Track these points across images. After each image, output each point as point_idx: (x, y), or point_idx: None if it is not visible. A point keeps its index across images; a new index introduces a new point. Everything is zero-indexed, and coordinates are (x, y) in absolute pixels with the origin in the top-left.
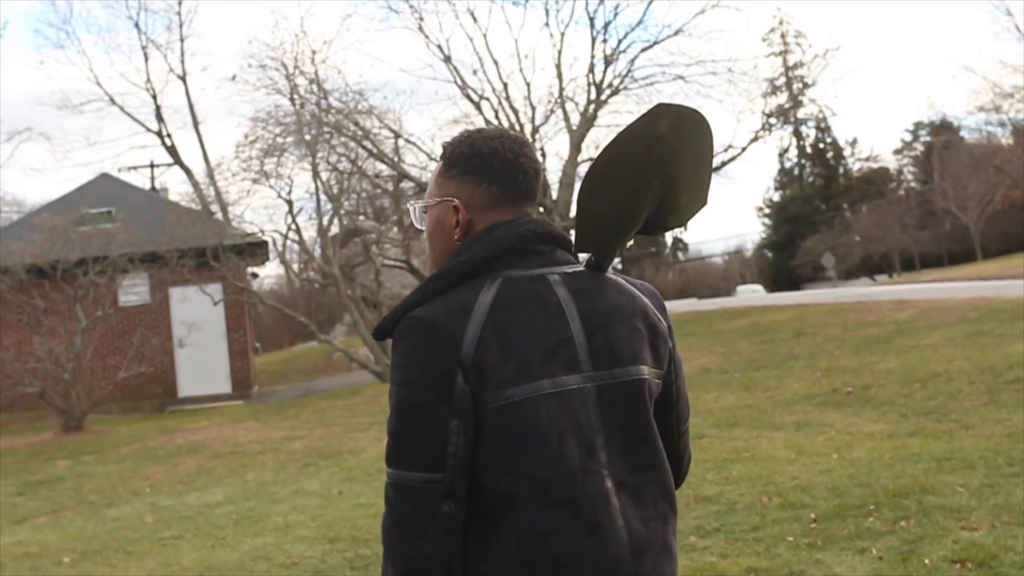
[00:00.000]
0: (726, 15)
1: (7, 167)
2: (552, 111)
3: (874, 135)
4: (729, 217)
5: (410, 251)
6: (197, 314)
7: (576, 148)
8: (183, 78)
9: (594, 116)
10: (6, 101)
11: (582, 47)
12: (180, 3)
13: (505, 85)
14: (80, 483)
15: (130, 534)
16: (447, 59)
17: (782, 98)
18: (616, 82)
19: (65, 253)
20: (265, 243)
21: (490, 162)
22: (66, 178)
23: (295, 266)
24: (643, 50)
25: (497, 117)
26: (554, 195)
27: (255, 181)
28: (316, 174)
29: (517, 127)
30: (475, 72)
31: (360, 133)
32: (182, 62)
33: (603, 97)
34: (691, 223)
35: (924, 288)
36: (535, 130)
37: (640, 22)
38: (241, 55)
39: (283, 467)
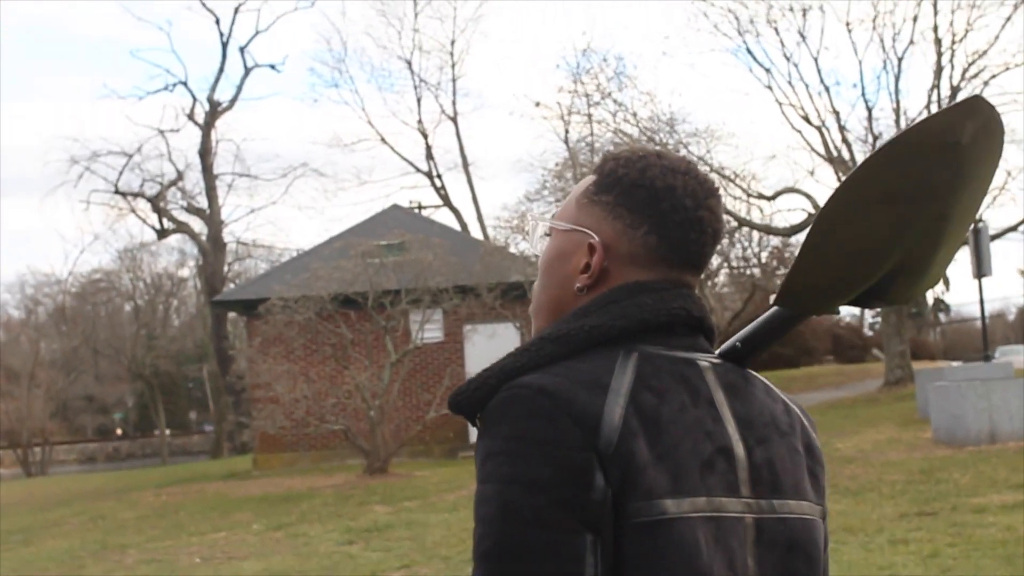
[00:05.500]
0: None
1: (281, 203)
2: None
3: None
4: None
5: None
6: (491, 354)
7: None
8: (454, 119)
9: None
10: (282, 138)
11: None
12: (452, 43)
13: (837, 114)
14: (416, 533)
15: None
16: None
17: None
18: None
19: (379, 281)
20: None
21: (659, 203)
22: (335, 218)
23: None
24: (993, 76)
25: (825, 143)
26: None
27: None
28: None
29: (848, 158)
30: (819, 95)
31: None
32: (453, 102)
33: None
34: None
35: None
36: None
37: (990, 47)
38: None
39: None
